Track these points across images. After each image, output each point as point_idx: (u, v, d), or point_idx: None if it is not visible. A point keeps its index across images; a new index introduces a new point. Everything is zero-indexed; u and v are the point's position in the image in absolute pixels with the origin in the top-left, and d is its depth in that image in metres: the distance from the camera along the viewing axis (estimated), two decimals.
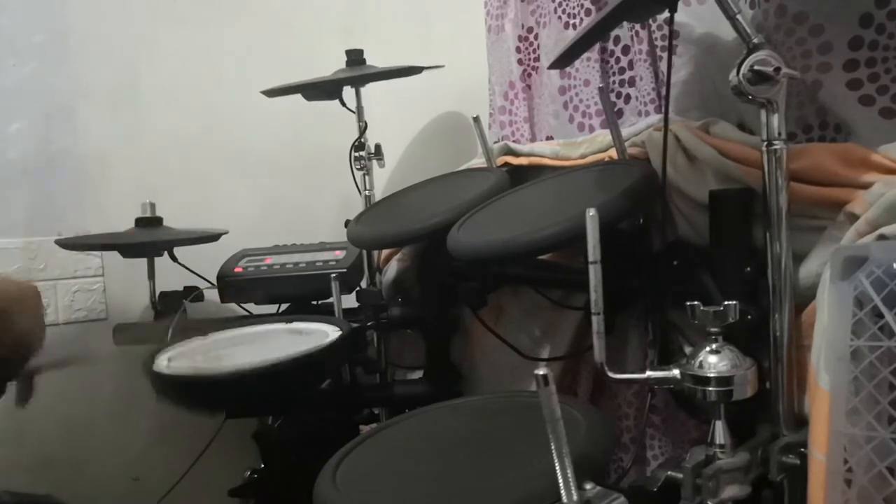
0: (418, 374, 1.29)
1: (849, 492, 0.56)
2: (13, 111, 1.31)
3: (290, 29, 1.57)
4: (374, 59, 1.33)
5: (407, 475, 0.67)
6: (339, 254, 1.32)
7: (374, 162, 1.33)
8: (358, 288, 1.30)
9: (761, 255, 0.72)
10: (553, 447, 0.51)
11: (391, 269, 1.29)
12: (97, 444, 1.37)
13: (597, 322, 0.69)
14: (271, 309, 1.34)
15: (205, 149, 1.49)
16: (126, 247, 1.27)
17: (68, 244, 1.22)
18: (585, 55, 1.07)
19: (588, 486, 0.54)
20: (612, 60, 1.06)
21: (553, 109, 1.16)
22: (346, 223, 1.23)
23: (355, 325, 1.14)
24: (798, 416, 0.70)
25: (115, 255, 1.29)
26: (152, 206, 1.28)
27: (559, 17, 1.12)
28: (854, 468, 0.56)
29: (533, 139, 1.24)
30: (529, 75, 1.23)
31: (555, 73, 1.14)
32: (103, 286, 1.39)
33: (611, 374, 0.71)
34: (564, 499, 0.52)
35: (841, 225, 0.69)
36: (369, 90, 1.36)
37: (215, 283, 1.29)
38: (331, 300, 1.18)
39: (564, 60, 0.98)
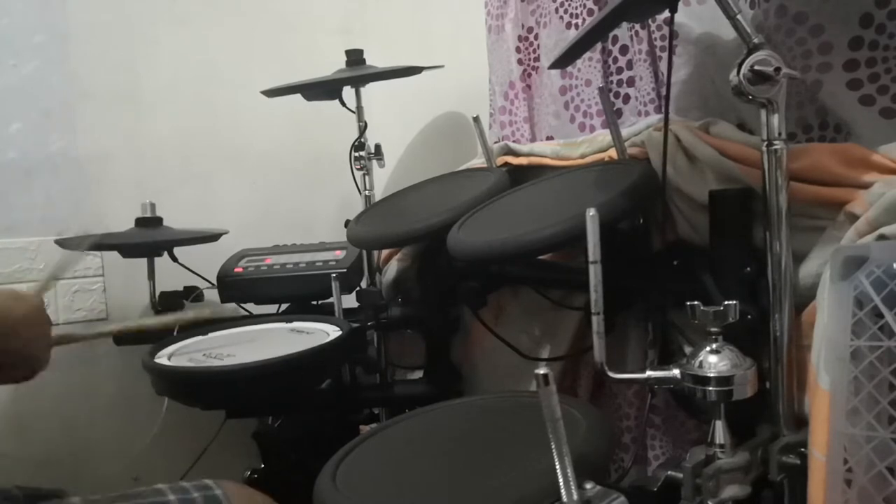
0: (418, 374, 1.29)
1: (849, 492, 0.56)
2: (13, 111, 1.31)
3: (290, 29, 1.57)
4: (374, 59, 1.33)
5: (407, 475, 0.67)
6: (339, 254, 1.32)
7: (374, 162, 1.33)
8: (358, 288, 1.30)
9: (761, 255, 0.72)
10: (553, 447, 0.51)
11: (391, 269, 1.29)
12: (97, 444, 1.37)
13: (597, 322, 0.69)
14: (271, 309, 1.34)
15: (205, 149, 1.49)
16: (126, 247, 1.27)
17: (68, 244, 1.22)
18: (587, 55, 1.07)
19: (588, 485, 0.54)
20: (611, 60, 1.06)
21: (554, 109, 1.16)
22: (346, 223, 1.23)
23: (355, 325, 1.14)
24: (798, 416, 0.70)
25: (115, 255, 1.29)
26: (152, 206, 1.28)
27: (560, 17, 1.12)
28: (854, 468, 0.56)
29: (533, 139, 1.24)
30: (529, 75, 1.23)
31: (555, 73, 1.14)
32: (103, 286, 1.39)
33: (611, 374, 0.71)
34: (564, 498, 0.52)
35: (841, 225, 0.69)
36: (369, 90, 1.36)
37: (215, 283, 1.30)
38: (331, 300, 1.18)
39: (565, 60, 0.98)
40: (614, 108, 1.05)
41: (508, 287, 1.16)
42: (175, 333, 1.12)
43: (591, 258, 0.67)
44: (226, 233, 1.31)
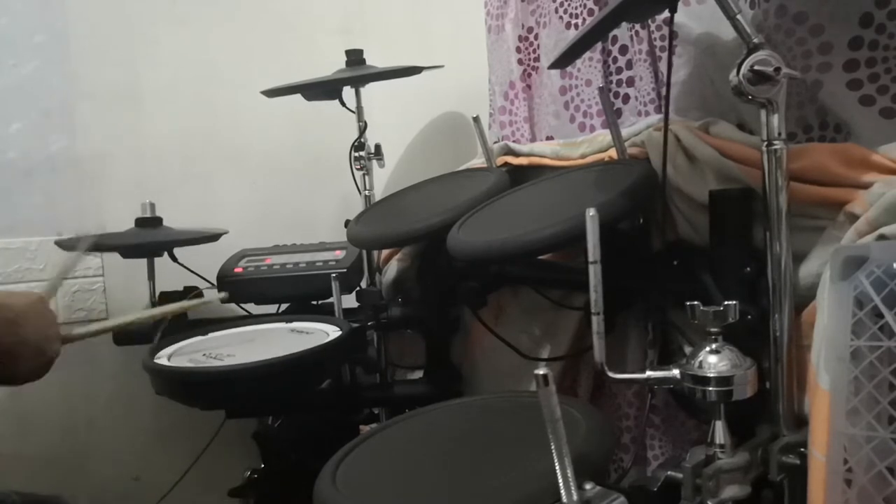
0: (418, 374, 1.29)
1: (849, 492, 0.56)
2: (13, 111, 1.31)
3: (290, 29, 1.57)
4: (374, 59, 1.33)
5: (407, 475, 0.67)
6: (339, 254, 1.32)
7: (374, 162, 1.33)
8: (358, 288, 1.30)
9: (761, 255, 0.72)
10: (553, 447, 0.51)
11: (391, 269, 1.29)
12: (97, 444, 1.38)
13: (597, 322, 0.69)
14: (271, 309, 1.34)
15: (205, 149, 1.49)
16: (126, 247, 1.27)
17: (68, 244, 1.22)
18: (587, 55, 1.07)
19: (588, 486, 0.54)
20: (611, 60, 1.06)
21: (554, 109, 1.16)
22: (346, 223, 1.23)
23: (355, 325, 1.14)
24: (798, 416, 0.70)
25: (115, 255, 1.29)
26: (152, 206, 1.28)
27: (560, 17, 1.12)
28: (854, 468, 0.56)
29: (533, 139, 1.24)
30: (529, 75, 1.23)
31: (555, 73, 1.14)
32: (103, 286, 1.39)
33: (611, 374, 0.71)
34: (564, 499, 0.52)
35: (841, 225, 0.69)
36: (369, 90, 1.36)
37: (215, 283, 1.29)
38: (331, 300, 1.18)
39: (564, 60, 0.98)
40: (614, 108, 1.05)
41: (508, 287, 1.16)
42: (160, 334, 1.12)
43: (591, 258, 0.67)
44: (226, 233, 1.31)
